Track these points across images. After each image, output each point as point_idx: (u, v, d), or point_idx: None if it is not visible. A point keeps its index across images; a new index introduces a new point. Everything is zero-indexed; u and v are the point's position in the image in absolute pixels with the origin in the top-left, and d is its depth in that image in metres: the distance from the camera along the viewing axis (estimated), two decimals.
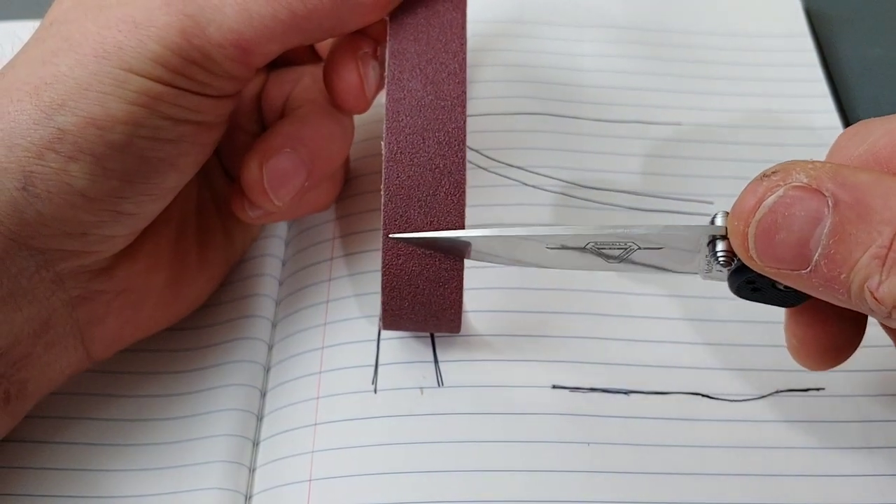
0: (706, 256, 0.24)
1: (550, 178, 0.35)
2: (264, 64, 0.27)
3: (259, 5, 0.25)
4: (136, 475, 0.29)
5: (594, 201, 0.35)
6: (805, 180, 0.21)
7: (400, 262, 0.27)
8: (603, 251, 0.26)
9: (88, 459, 0.29)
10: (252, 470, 0.30)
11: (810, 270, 0.21)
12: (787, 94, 0.39)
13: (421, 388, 0.30)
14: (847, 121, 0.38)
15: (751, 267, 0.23)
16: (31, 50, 0.26)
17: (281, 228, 0.36)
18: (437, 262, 0.27)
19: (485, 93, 0.38)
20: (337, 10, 0.26)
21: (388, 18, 0.28)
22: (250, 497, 0.29)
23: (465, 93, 0.27)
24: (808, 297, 0.24)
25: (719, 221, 0.24)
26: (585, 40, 0.41)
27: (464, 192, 0.26)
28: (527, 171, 0.35)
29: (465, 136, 0.26)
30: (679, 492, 0.28)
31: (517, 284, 0.32)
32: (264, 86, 0.33)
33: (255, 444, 0.30)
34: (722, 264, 0.24)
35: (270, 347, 0.33)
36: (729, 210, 0.23)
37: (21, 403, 0.27)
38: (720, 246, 0.24)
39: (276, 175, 0.29)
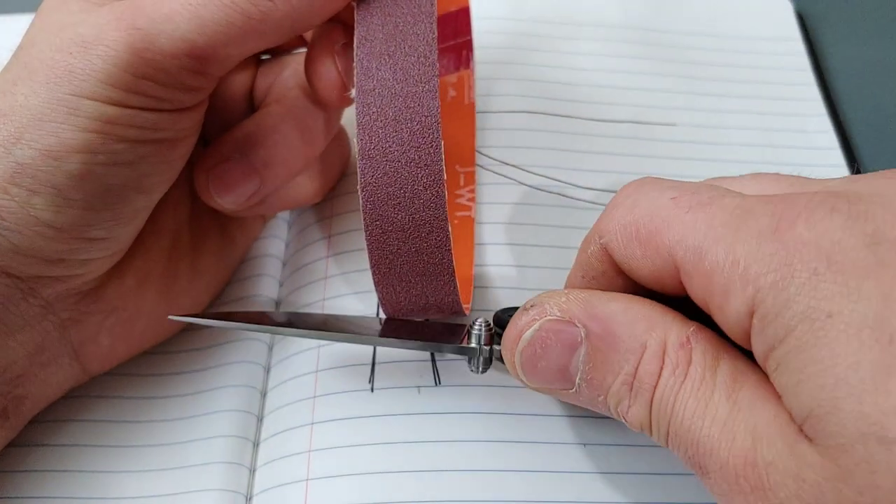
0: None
1: (545, 177, 0.35)
2: (227, 70, 0.26)
3: (211, 11, 0.24)
4: (137, 476, 0.29)
5: (588, 201, 0.35)
6: (558, 314, 0.23)
7: (388, 262, 0.26)
8: None
9: (89, 461, 0.29)
10: (252, 470, 0.30)
11: (575, 391, 0.23)
12: (779, 96, 0.39)
13: (418, 387, 0.30)
14: (838, 123, 0.39)
15: (525, 386, 0.25)
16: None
17: (281, 229, 0.36)
18: (426, 259, 0.26)
19: (480, 91, 0.38)
20: (294, 9, 0.25)
21: (354, 3, 0.26)
22: (251, 497, 0.29)
23: (437, 77, 0.25)
24: None
25: (476, 330, 0.27)
26: (581, 39, 0.41)
27: (442, 184, 0.25)
28: (522, 169, 0.36)
29: (438, 124, 0.25)
30: (677, 492, 0.28)
31: (515, 285, 0.32)
32: (255, 78, 0.32)
33: (256, 444, 0.30)
34: (482, 373, 0.28)
35: (271, 348, 0.33)
36: (483, 318, 0.27)
37: (19, 418, 0.28)
38: (481, 363, 0.27)
39: (221, 182, 0.29)
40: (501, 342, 0.25)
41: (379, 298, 0.28)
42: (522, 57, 0.40)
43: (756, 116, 0.39)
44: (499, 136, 0.37)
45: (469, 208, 0.34)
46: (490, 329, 0.27)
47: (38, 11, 0.26)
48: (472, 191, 0.35)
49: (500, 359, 0.26)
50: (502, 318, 0.27)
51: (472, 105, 0.37)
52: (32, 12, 0.27)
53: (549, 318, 0.23)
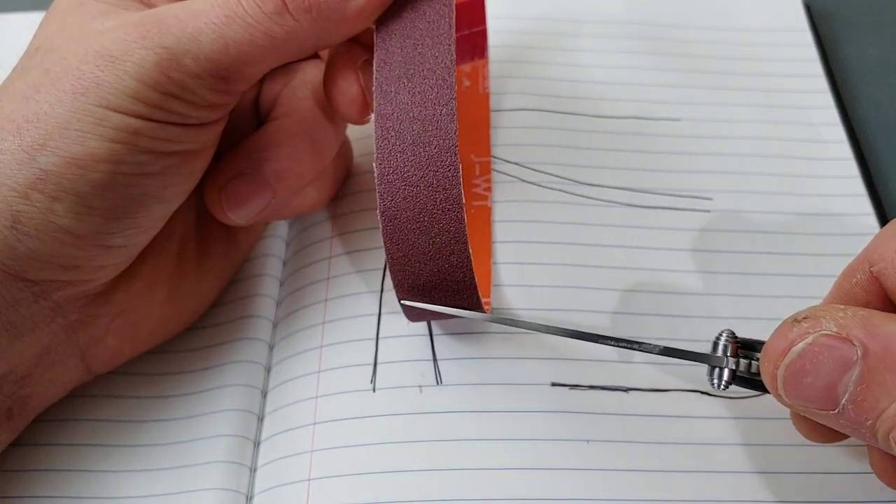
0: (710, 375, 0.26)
1: (549, 174, 0.35)
2: (249, 86, 0.27)
3: (235, 32, 0.24)
4: (137, 476, 0.29)
5: (593, 198, 0.35)
6: (835, 329, 0.22)
7: (410, 281, 0.26)
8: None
9: (90, 460, 0.29)
10: (253, 470, 0.30)
11: (838, 412, 0.22)
12: (785, 89, 0.39)
13: (420, 386, 0.30)
14: (847, 118, 0.38)
15: (779, 402, 0.23)
16: (16, 81, 0.25)
17: (282, 228, 0.36)
18: (448, 277, 0.26)
19: None
20: (317, 29, 0.25)
21: (374, 26, 0.26)
22: (251, 497, 0.29)
23: (454, 100, 0.25)
24: None
25: (723, 341, 0.25)
26: (583, 35, 0.41)
27: (461, 207, 0.25)
28: (525, 167, 0.35)
29: (456, 147, 0.25)
30: (678, 489, 0.28)
31: (516, 282, 0.32)
32: (261, 87, 0.32)
33: (257, 444, 0.30)
34: (723, 388, 0.25)
35: (271, 347, 0.33)
36: (730, 329, 0.25)
37: (23, 418, 0.28)
38: (725, 375, 0.25)
39: (234, 198, 0.29)
40: (763, 353, 0.23)
41: (403, 311, 0.28)
42: (525, 55, 0.40)
43: (762, 109, 0.38)
44: (501, 135, 0.36)
45: (485, 198, 0.34)
46: (736, 340, 0.25)
47: (52, 11, 0.27)
48: (488, 180, 0.35)
49: (744, 375, 0.25)
50: (745, 339, 0.25)
51: (486, 95, 0.37)
52: (33, 10, 0.27)
53: (824, 332, 0.22)
